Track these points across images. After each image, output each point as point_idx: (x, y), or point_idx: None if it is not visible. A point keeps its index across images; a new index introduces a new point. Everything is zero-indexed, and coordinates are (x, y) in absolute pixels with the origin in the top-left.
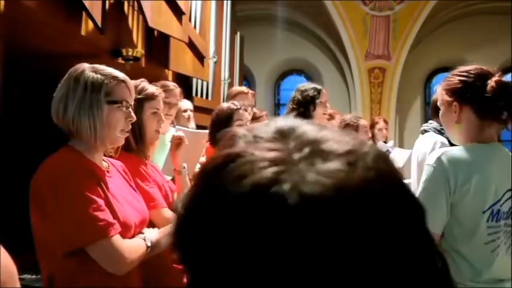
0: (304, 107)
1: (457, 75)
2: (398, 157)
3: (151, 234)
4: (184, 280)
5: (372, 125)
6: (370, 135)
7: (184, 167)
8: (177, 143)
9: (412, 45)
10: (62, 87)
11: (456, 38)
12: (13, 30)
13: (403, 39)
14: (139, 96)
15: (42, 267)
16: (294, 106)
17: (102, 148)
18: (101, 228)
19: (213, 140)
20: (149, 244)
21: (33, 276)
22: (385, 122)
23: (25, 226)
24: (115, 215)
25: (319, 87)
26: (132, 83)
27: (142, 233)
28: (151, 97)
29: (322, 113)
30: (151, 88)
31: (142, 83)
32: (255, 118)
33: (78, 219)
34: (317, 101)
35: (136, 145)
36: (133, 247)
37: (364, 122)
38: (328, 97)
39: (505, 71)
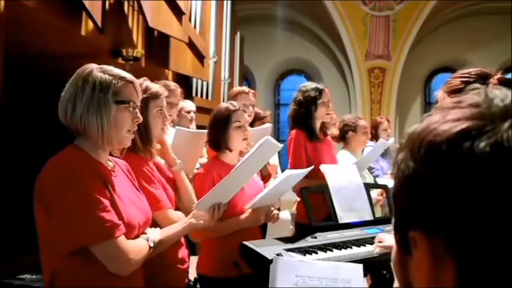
0: (306, 107)
1: (458, 77)
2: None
3: (154, 235)
4: (186, 280)
5: (376, 126)
6: (370, 135)
7: (177, 164)
8: (159, 143)
9: (412, 45)
10: (70, 87)
11: (456, 37)
12: (13, 30)
13: (403, 39)
14: (144, 96)
15: (45, 265)
16: (295, 107)
17: (109, 148)
18: (107, 229)
19: (212, 141)
20: (152, 245)
21: (33, 276)
22: (388, 121)
23: (26, 227)
24: (120, 215)
25: (321, 87)
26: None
27: (145, 233)
28: (156, 96)
29: (325, 113)
30: (155, 87)
31: (145, 82)
32: (258, 119)
33: (83, 219)
34: (318, 101)
35: (142, 145)
36: (137, 248)
37: (363, 123)
38: (330, 96)
39: (505, 70)
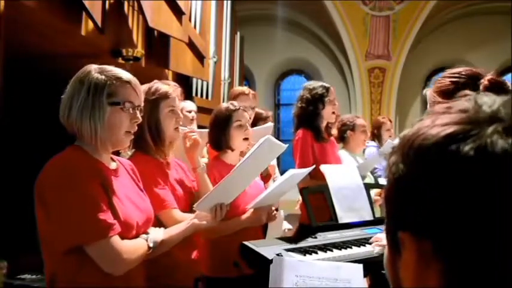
0: (313, 105)
1: (447, 77)
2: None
3: (156, 234)
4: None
5: (379, 126)
6: (372, 135)
7: (200, 166)
8: (192, 143)
9: (412, 45)
10: (69, 89)
11: (456, 38)
12: (13, 30)
13: (403, 39)
14: (153, 97)
15: (46, 265)
16: (303, 105)
17: (103, 150)
18: (100, 229)
19: (213, 141)
20: (151, 244)
21: (33, 276)
22: (391, 121)
23: (26, 227)
24: (116, 215)
25: (327, 85)
26: (140, 84)
27: (147, 233)
28: (166, 95)
29: (331, 111)
30: (164, 87)
31: (156, 84)
32: (260, 119)
33: (78, 219)
34: (326, 99)
35: (154, 145)
36: (132, 248)
37: (361, 121)
38: (336, 95)
39: (501, 72)
